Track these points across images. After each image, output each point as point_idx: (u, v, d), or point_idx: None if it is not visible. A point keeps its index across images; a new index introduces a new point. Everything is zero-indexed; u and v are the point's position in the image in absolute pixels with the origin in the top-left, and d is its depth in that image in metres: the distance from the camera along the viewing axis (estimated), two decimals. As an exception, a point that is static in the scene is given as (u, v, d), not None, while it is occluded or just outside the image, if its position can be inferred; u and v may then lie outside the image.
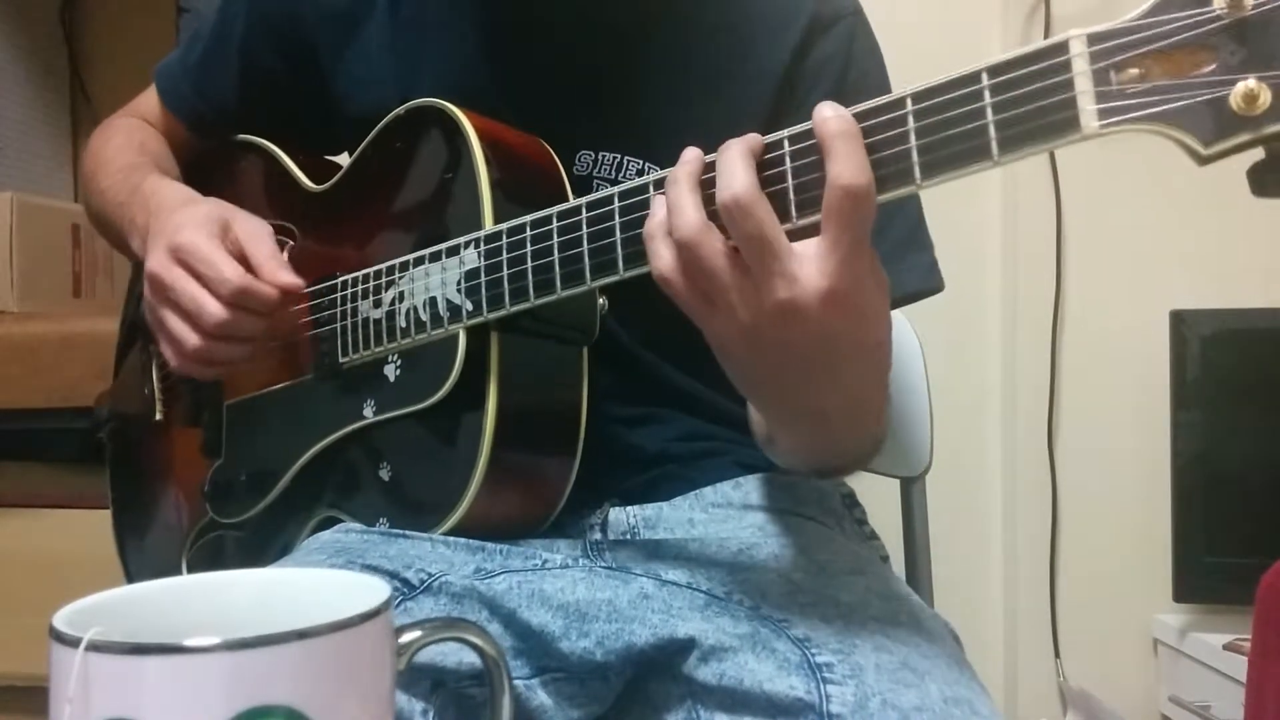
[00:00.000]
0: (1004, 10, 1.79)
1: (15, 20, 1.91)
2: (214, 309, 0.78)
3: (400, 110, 0.82)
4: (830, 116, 0.56)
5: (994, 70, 0.53)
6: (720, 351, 0.62)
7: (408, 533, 0.77)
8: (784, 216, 0.58)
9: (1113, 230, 1.77)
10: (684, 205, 0.58)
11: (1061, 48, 0.52)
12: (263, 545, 0.88)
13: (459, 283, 0.74)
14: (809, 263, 0.56)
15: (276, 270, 0.80)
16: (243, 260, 0.80)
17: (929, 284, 0.86)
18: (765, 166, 0.59)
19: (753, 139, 0.59)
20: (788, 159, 0.58)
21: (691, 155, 0.60)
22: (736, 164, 0.57)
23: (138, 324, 1.08)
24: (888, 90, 0.86)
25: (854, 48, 0.86)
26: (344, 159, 0.93)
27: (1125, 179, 1.71)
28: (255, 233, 0.82)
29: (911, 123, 0.55)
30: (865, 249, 0.57)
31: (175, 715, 0.39)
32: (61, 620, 0.41)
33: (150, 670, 0.39)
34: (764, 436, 0.79)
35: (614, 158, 0.84)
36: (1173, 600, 1.70)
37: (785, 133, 0.59)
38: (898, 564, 1.04)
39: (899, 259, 0.84)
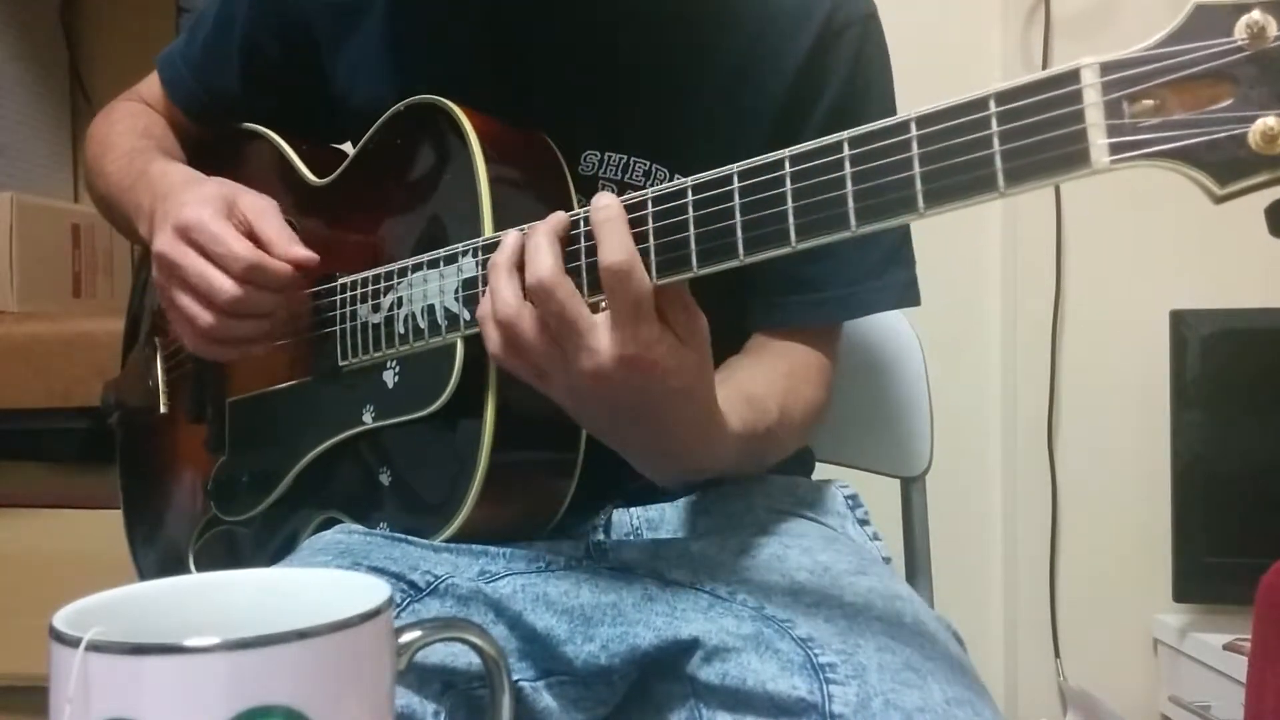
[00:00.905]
0: (1004, 10, 1.79)
1: (15, 20, 1.91)
2: (226, 286, 0.77)
3: (400, 106, 0.82)
4: (599, 207, 0.63)
5: (1002, 97, 0.51)
6: (565, 409, 0.68)
7: (410, 538, 0.77)
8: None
9: (1113, 230, 1.77)
10: (501, 289, 0.65)
11: (1073, 76, 0.49)
12: (266, 542, 0.88)
13: (457, 291, 0.73)
14: (604, 334, 0.62)
15: (289, 244, 0.79)
16: (250, 237, 0.79)
17: (904, 302, 0.89)
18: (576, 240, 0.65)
19: (559, 219, 0.66)
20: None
21: (510, 241, 0.67)
22: (543, 247, 0.64)
23: (142, 315, 1.08)
24: (890, 100, 0.87)
25: (864, 54, 0.85)
26: (348, 147, 0.93)
27: (1126, 179, 1.71)
28: (262, 208, 0.81)
29: (915, 148, 0.53)
30: (648, 314, 0.62)
31: (175, 715, 0.39)
32: (61, 620, 0.41)
33: (150, 670, 0.39)
34: None
35: (620, 158, 0.83)
36: (1173, 600, 1.70)
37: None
38: (898, 564, 1.04)
39: (879, 275, 0.86)
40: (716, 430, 0.71)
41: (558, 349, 0.64)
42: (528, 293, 0.64)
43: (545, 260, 0.63)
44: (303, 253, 0.80)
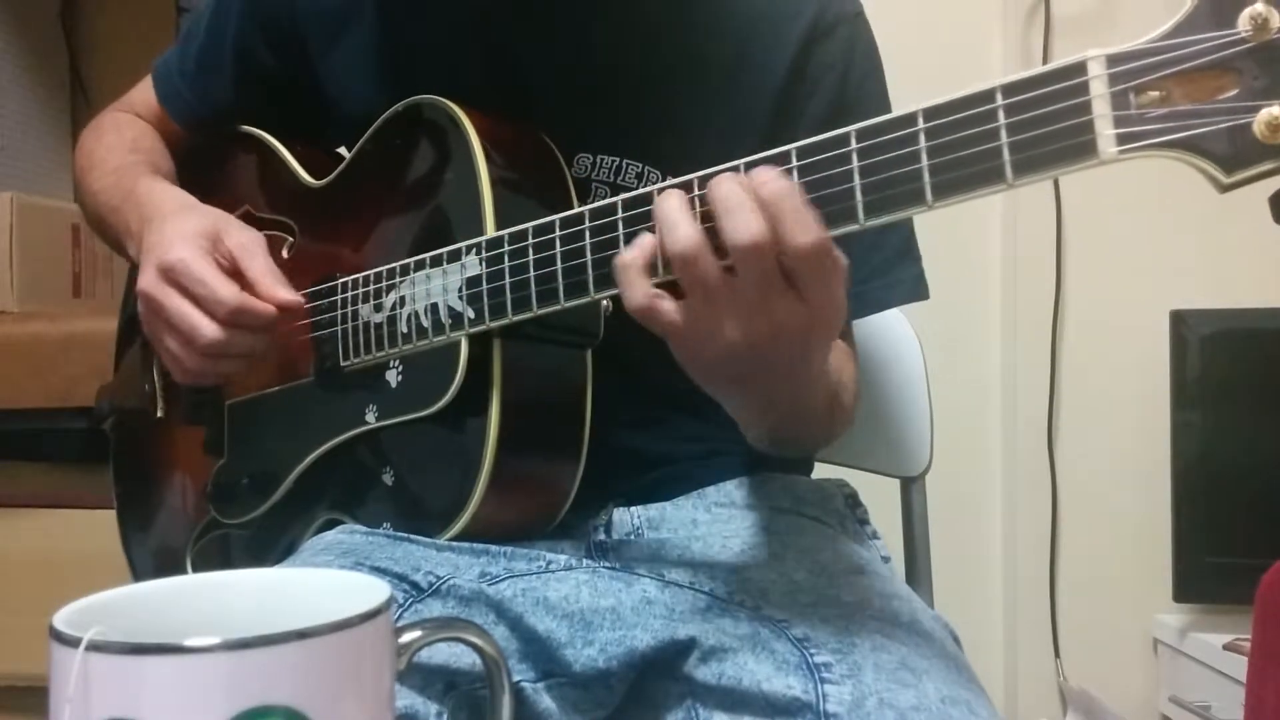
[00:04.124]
0: (1004, 10, 1.79)
1: (15, 20, 1.91)
2: (209, 330, 0.77)
3: (399, 107, 0.82)
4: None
5: (1009, 89, 0.52)
6: (699, 360, 0.63)
7: (412, 536, 0.77)
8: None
9: (1113, 230, 1.77)
10: (679, 220, 0.59)
11: (1079, 68, 0.50)
12: (266, 545, 0.88)
13: (460, 289, 0.74)
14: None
15: (273, 286, 0.79)
16: (236, 274, 0.79)
17: (916, 295, 0.90)
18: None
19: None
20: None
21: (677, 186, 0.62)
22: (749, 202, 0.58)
23: (136, 318, 1.08)
24: (885, 95, 0.87)
25: (854, 53, 0.85)
26: (345, 150, 0.93)
27: (1125, 179, 1.71)
28: (248, 245, 0.81)
29: (923, 141, 0.54)
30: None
31: (175, 715, 0.39)
32: (61, 620, 0.41)
33: (150, 670, 0.39)
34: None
35: (612, 160, 0.83)
36: (1173, 600, 1.70)
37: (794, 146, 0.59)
38: (898, 564, 1.04)
39: (889, 271, 0.87)
40: (818, 362, 0.67)
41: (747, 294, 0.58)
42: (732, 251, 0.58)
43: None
44: (287, 296, 0.79)
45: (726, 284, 0.58)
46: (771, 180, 0.57)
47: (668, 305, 0.60)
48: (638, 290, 0.61)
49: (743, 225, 0.56)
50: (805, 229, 0.56)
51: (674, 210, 0.59)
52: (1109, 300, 1.78)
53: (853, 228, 0.56)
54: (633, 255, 0.61)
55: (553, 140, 0.81)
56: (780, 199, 0.56)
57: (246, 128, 0.97)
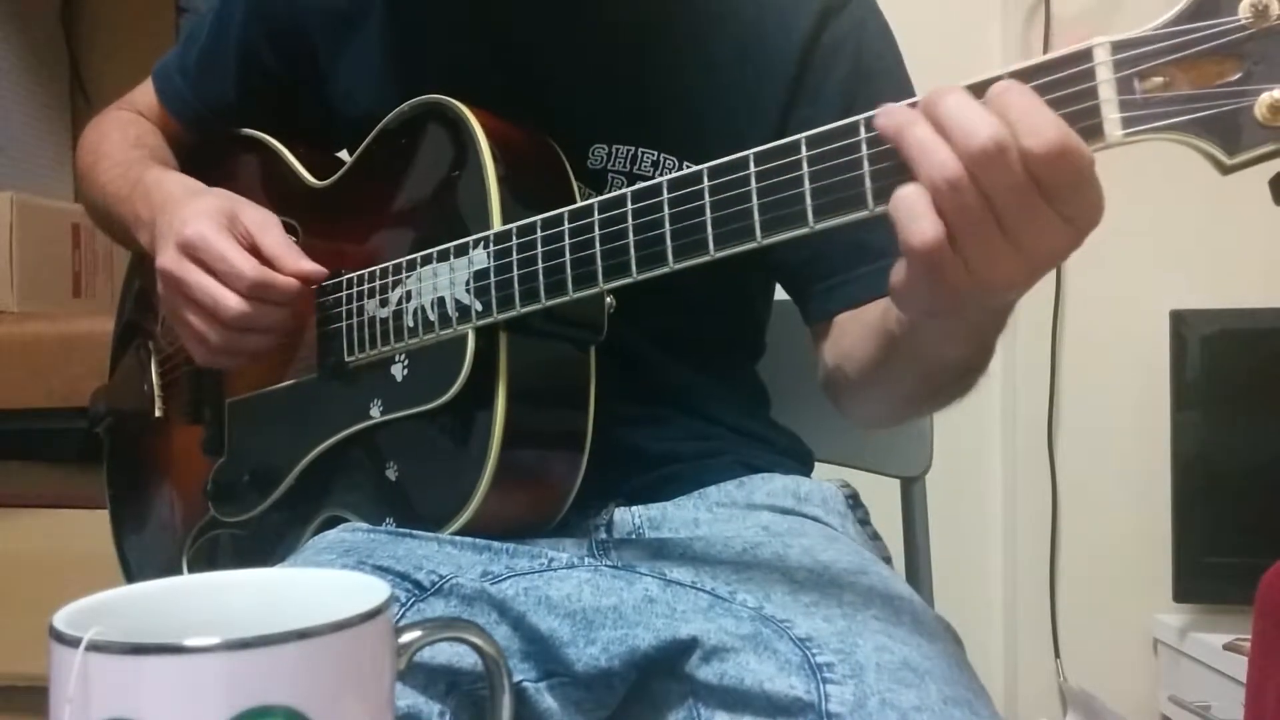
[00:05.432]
0: (1004, 10, 1.79)
1: (15, 20, 1.91)
2: (233, 303, 0.78)
3: (405, 107, 0.82)
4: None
5: (1018, 76, 0.53)
6: (954, 300, 0.56)
7: (414, 532, 0.77)
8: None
9: (1113, 230, 1.76)
10: (936, 146, 0.52)
11: (1085, 55, 0.52)
12: (265, 544, 0.88)
13: (468, 283, 0.74)
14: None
15: (296, 259, 0.80)
16: (254, 251, 0.80)
17: None
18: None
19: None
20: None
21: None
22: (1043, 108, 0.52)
23: (134, 320, 1.08)
24: (903, 71, 0.87)
25: (866, 30, 0.85)
26: (345, 154, 0.93)
27: (1125, 178, 1.71)
28: (264, 222, 0.82)
29: None
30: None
31: (175, 715, 0.39)
32: (61, 620, 0.41)
33: (150, 670, 0.39)
34: (852, 381, 0.79)
35: (628, 150, 0.83)
36: (1173, 600, 1.70)
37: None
38: (898, 564, 1.04)
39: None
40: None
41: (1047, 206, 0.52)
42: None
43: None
44: (310, 267, 0.80)
45: (990, 212, 0.52)
46: (998, 85, 0.52)
47: (950, 251, 0.53)
48: (930, 224, 0.52)
49: (976, 128, 0.50)
50: (1043, 125, 0.50)
51: (926, 138, 0.52)
52: (1109, 300, 1.78)
53: (862, 214, 0.57)
54: (920, 188, 0.53)
55: (566, 133, 0.81)
56: (1009, 96, 0.51)
57: (247, 130, 0.97)
